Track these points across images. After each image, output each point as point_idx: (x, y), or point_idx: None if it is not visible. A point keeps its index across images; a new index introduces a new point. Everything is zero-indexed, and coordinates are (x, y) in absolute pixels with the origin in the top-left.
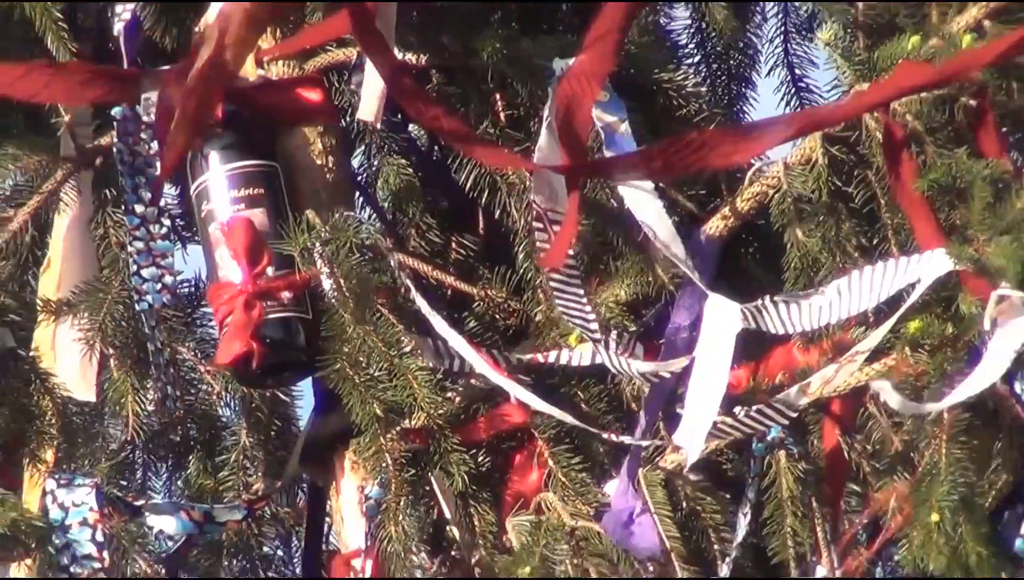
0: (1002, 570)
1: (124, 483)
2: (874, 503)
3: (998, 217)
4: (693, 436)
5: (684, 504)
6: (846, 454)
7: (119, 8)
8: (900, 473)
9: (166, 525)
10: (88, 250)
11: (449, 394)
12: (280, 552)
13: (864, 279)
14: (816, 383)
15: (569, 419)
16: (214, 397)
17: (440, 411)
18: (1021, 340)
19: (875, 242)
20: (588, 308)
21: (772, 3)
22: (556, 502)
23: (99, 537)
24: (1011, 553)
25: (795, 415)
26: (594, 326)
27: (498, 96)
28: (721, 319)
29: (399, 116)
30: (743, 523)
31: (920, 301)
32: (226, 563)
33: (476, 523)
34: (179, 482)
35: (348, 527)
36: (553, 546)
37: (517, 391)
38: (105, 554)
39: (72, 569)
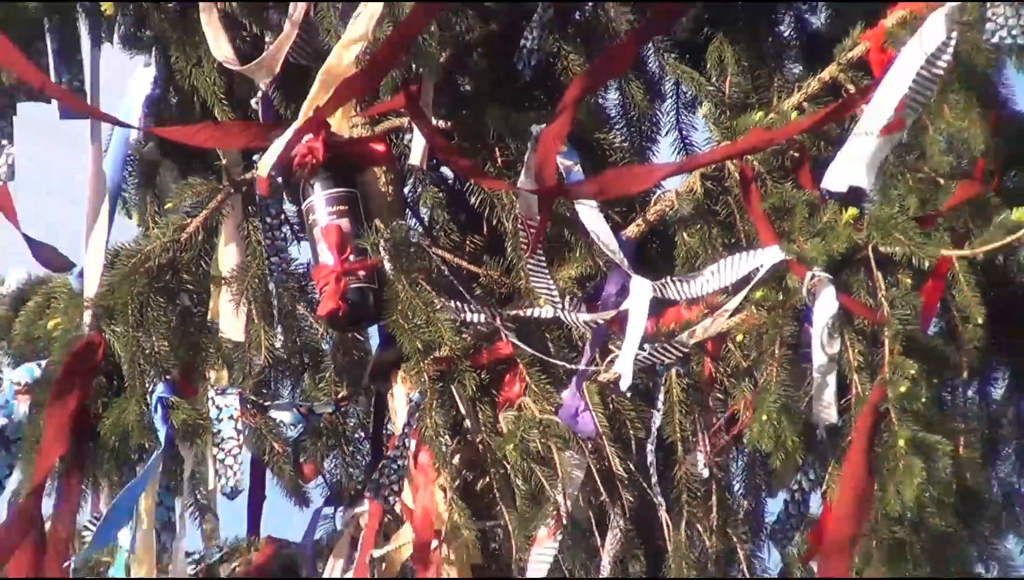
0: (809, 452)
1: (264, 392)
2: (731, 405)
3: (811, 226)
4: (627, 366)
5: (611, 405)
6: (713, 373)
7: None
8: (746, 384)
9: (284, 416)
10: (238, 244)
11: (464, 335)
12: (357, 435)
13: (727, 265)
14: (699, 331)
15: (539, 355)
16: (318, 336)
17: (458, 346)
18: (833, 306)
19: (733, 241)
20: (551, 282)
21: (669, 85)
22: (531, 403)
23: (239, 426)
24: (818, 440)
25: (687, 350)
26: (555, 293)
27: (497, 149)
28: (640, 291)
29: (434, 160)
30: (658, 418)
31: (762, 279)
32: (322, 440)
33: (480, 417)
34: (298, 391)
35: (399, 419)
36: (528, 431)
37: (507, 334)
38: (241, 437)
39: (221, 446)
